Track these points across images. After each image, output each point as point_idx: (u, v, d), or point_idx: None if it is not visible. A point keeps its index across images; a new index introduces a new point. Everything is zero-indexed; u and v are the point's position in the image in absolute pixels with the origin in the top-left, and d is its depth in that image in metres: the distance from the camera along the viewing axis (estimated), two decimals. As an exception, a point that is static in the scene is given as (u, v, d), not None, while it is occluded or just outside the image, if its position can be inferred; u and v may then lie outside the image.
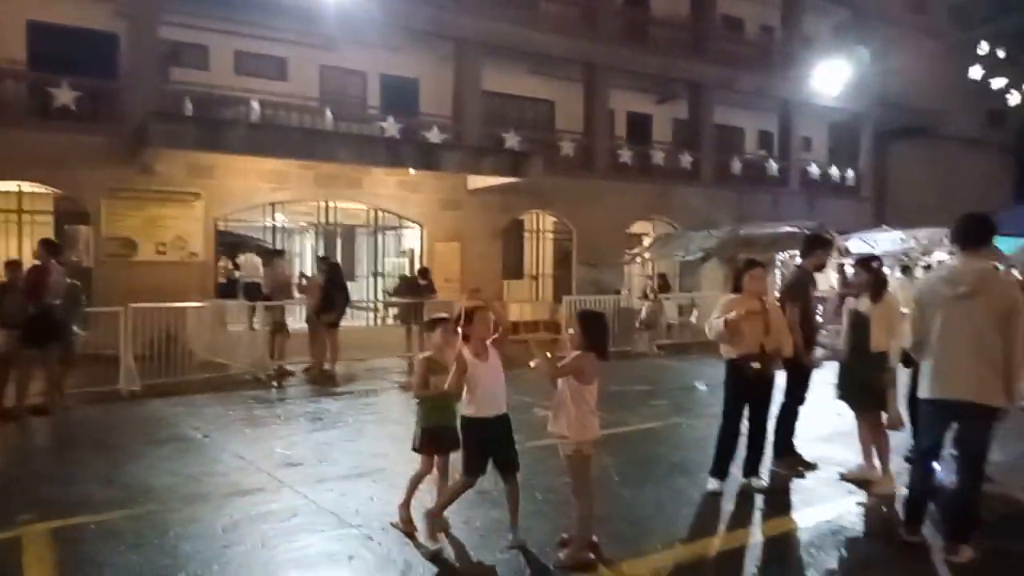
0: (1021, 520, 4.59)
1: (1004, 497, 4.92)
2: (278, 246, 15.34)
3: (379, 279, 17.34)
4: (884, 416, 5.12)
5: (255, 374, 10.05)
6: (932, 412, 4.03)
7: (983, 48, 21.78)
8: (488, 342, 4.06)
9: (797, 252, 13.55)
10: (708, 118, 20.98)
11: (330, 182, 15.49)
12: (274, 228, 15.89)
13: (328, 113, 15.42)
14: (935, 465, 4.11)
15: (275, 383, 9.79)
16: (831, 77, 21.26)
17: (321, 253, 16.38)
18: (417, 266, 17.57)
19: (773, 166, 22.11)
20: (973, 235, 4.02)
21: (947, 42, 25.98)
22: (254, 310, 10.72)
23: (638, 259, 18.25)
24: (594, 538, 3.92)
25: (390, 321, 16.63)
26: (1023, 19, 22.59)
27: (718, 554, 4.07)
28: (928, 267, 14.83)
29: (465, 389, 4.01)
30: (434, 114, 17.16)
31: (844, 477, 5.36)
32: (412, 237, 17.96)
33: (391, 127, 15.69)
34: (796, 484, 5.28)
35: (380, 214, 16.97)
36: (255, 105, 14.48)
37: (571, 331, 3.91)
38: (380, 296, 16.90)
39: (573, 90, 19.35)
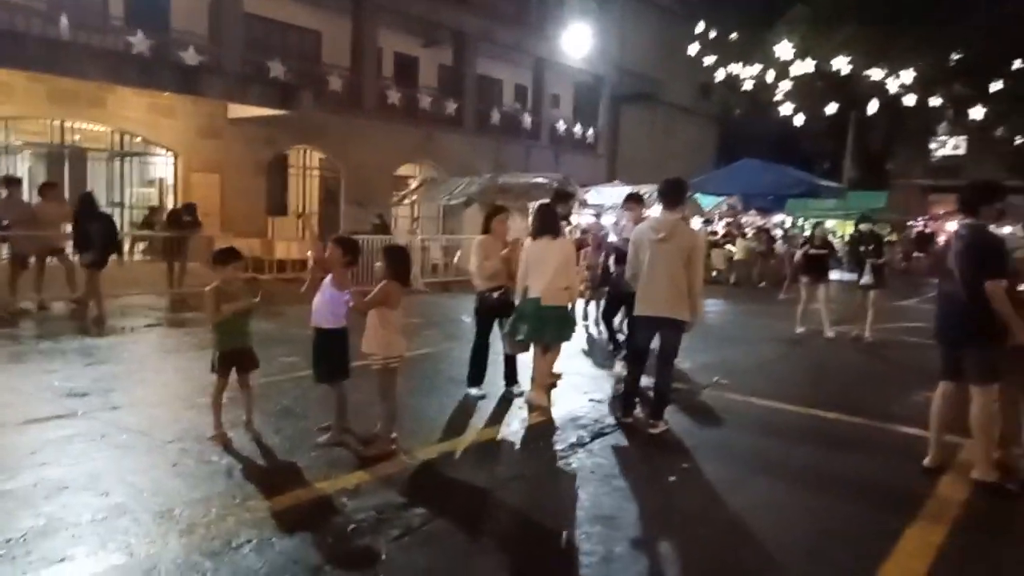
0: (697, 407, 6.29)
1: (688, 391, 6.66)
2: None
3: (123, 211, 15.97)
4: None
5: (-7, 311, 9.21)
6: (641, 325, 5.45)
7: (700, 27, 25.37)
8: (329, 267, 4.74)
9: (546, 199, 15.19)
10: (471, 67, 22.06)
11: (67, 99, 13.99)
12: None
13: (64, 20, 13.74)
14: (642, 366, 5.58)
15: (28, 318, 9.09)
16: (578, 40, 23.47)
17: (44, 179, 14.61)
18: (168, 197, 16.57)
19: (527, 119, 23.97)
20: (671, 196, 5.42)
21: (671, 17, 29.70)
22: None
23: (406, 200, 18.97)
24: (394, 435, 4.77)
25: (138, 256, 15.61)
26: (734, 8, 26.50)
27: (489, 440, 5.15)
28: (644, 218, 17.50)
29: None
30: (188, 32, 16.03)
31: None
32: (162, 165, 16.82)
33: (140, 43, 14.48)
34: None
35: (125, 138, 15.64)
36: (-33, 3, 12.50)
37: (378, 264, 4.64)
38: (126, 230, 15.64)
39: (340, 23, 19.15)
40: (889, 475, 4.73)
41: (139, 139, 15.80)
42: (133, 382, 6.36)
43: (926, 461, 4.71)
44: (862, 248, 10.37)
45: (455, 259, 17.53)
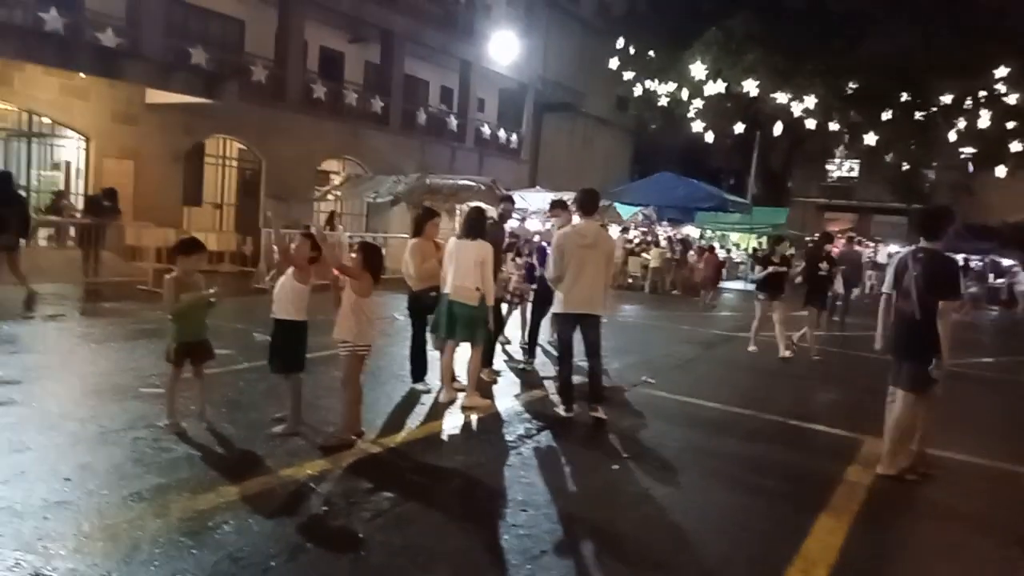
0: (629, 404, 6.70)
1: (619, 389, 7.09)
2: None
3: (28, 195, 15.04)
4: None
5: None
6: (565, 321, 5.93)
7: (620, 43, 26.32)
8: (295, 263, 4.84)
9: (475, 202, 15.46)
10: (398, 66, 22.00)
11: (-30, 75, 13.11)
12: None
13: (-32, -8, 12.89)
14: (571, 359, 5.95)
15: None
16: (504, 47, 23.87)
17: None
18: (77, 182, 15.81)
19: (453, 121, 24.12)
20: (589, 204, 6.02)
21: (594, 32, 30.61)
22: None
23: (329, 196, 18.77)
24: (362, 429, 4.92)
25: (43, 243, 14.84)
26: (653, 26, 27.61)
27: (441, 431, 5.37)
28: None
29: None
30: (103, 13, 15.29)
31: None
32: (70, 149, 15.99)
33: (53, 20, 13.75)
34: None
35: (31, 119, 14.77)
36: None
37: (353, 255, 4.81)
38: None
39: (265, 12, 18.73)
40: (804, 465, 5.26)
41: (47, 120, 14.96)
42: (67, 372, 6.19)
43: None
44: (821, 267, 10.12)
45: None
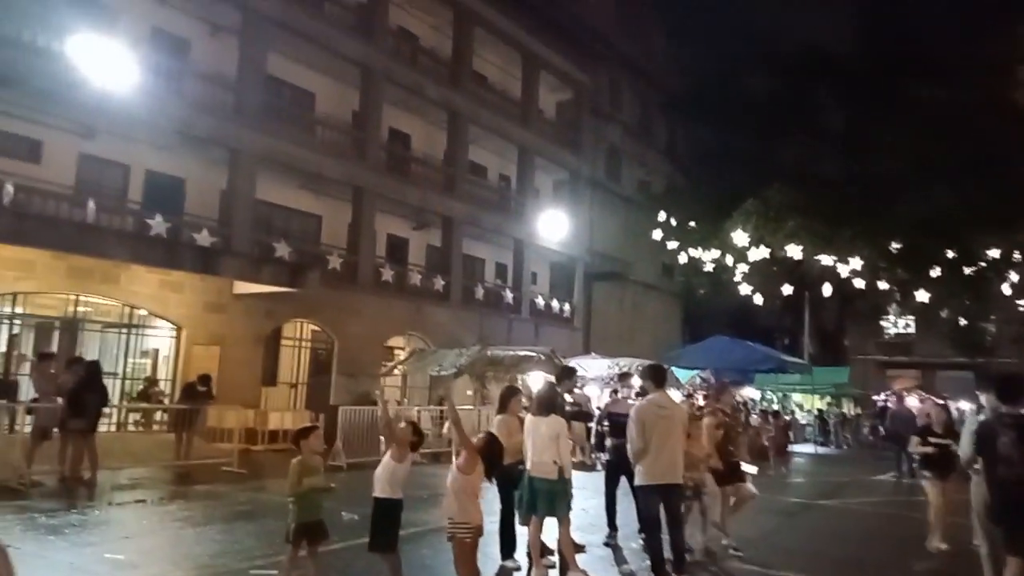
0: (717, 573, 6.70)
1: (707, 563, 7.06)
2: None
3: (123, 382, 16.13)
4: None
5: (6, 483, 9.25)
6: (651, 494, 6.08)
7: (662, 216, 27.78)
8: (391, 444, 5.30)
9: (536, 372, 15.91)
10: (457, 247, 23.62)
11: (83, 275, 14.69)
12: None
13: (91, 205, 14.76)
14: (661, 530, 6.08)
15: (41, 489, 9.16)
16: (553, 225, 25.55)
17: (24, 350, 14.79)
18: (163, 368, 16.91)
19: (508, 295, 25.31)
20: (659, 379, 6.52)
21: (636, 206, 32.40)
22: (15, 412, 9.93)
23: (395, 371, 19.54)
24: None
25: (131, 427, 15.68)
26: (692, 199, 29.16)
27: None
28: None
29: None
30: (198, 215, 17.12)
31: None
32: (157, 338, 17.26)
33: (158, 225, 15.48)
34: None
35: (128, 312, 16.19)
36: (9, 188, 13.46)
37: (480, 435, 5.26)
38: (123, 400, 15.77)
39: (339, 207, 20.66)
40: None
41: (143, 312, 16.36)
42: (180, 555, 6.54)
43: None
44: None
45: (444, 429, 17.85)
